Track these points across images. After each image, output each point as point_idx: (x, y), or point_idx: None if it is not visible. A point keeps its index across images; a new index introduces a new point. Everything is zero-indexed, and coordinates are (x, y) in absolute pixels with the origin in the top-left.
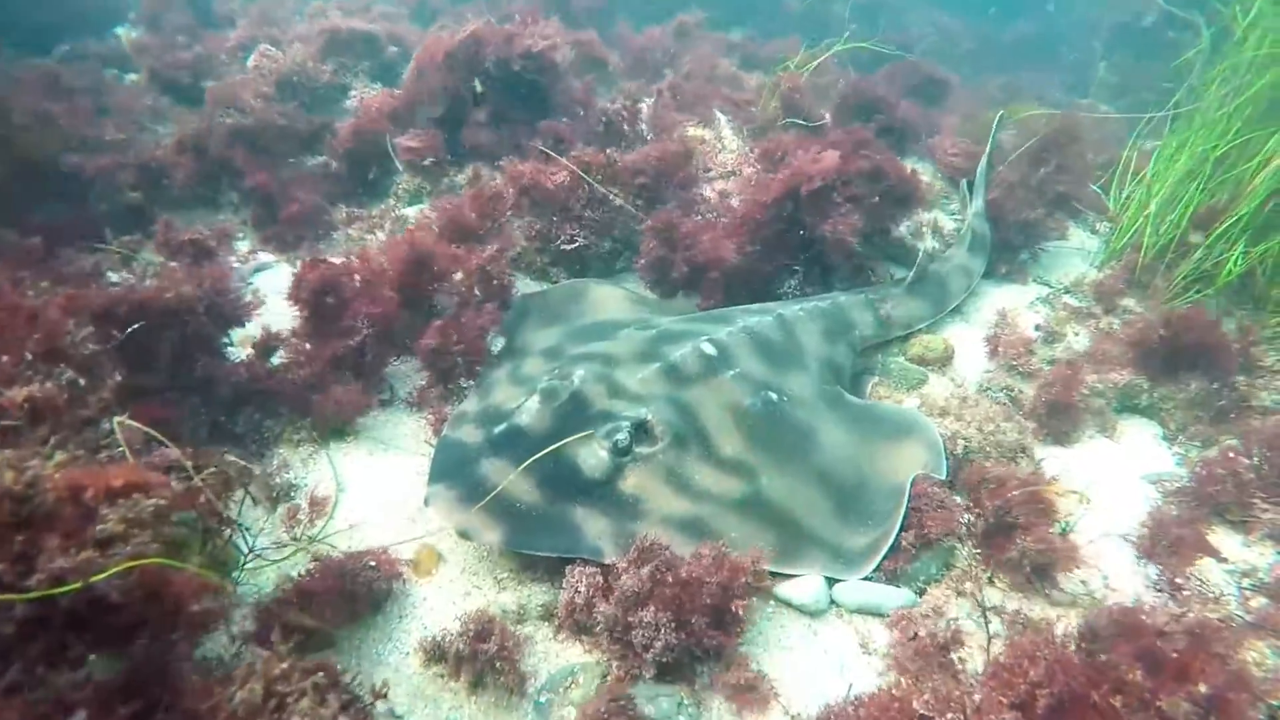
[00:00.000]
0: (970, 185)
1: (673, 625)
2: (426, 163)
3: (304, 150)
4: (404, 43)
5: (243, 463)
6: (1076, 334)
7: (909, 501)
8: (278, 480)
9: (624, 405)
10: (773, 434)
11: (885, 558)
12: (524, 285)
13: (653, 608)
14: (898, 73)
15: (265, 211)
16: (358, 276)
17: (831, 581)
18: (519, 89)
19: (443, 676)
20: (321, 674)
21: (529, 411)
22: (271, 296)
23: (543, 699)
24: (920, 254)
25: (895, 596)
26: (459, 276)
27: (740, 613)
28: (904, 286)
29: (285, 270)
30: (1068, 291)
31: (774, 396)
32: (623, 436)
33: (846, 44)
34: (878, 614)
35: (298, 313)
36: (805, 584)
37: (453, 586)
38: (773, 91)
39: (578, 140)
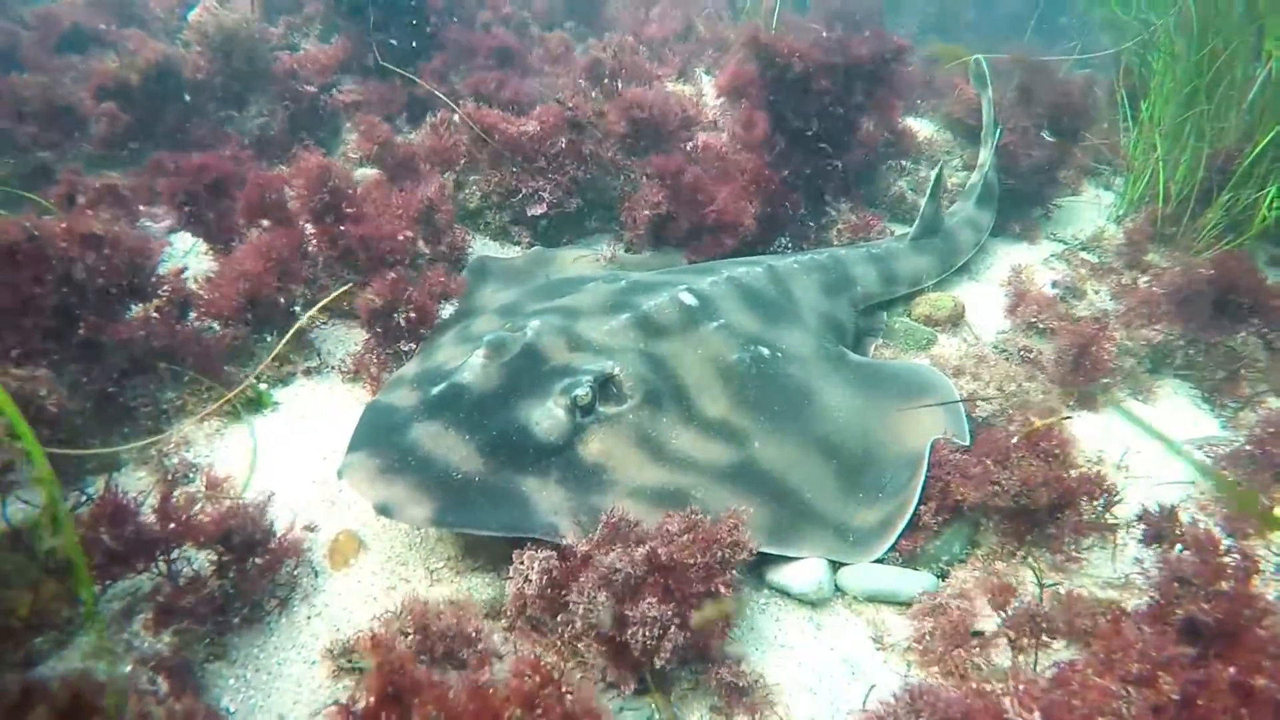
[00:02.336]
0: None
1: (677, 622)
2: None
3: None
4: None
5: None
6: (1097, 291)
7: (928, 470)
8: (174, 460)
9: (587, 359)
10: (765, 394)
11: (901, 536)
12: (482, 247)
13: (654, 599)
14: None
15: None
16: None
17: (835, 565)
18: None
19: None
20: None
21: (473, 368)
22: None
23: None
24: (924, 204)
25: (913, 581)
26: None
27: (727, 594)
28: (908, 241)
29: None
30: (1084, 248)
31: (766, 352)
32: (583, 392)
33: None
34: (892, 602)
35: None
36: (804, 568)
37: (374, 579)
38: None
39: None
